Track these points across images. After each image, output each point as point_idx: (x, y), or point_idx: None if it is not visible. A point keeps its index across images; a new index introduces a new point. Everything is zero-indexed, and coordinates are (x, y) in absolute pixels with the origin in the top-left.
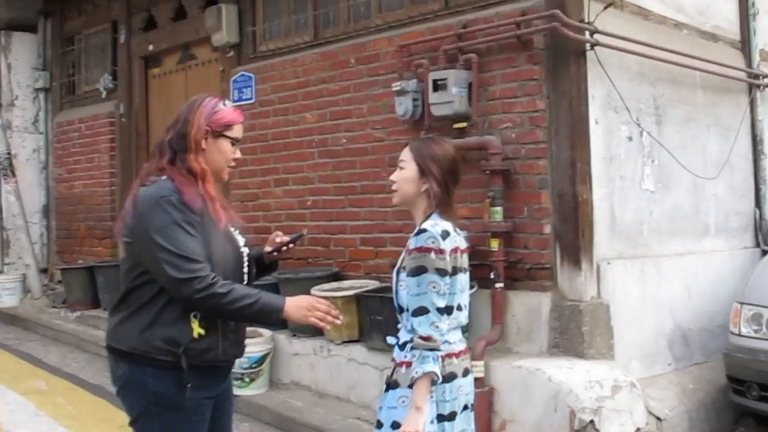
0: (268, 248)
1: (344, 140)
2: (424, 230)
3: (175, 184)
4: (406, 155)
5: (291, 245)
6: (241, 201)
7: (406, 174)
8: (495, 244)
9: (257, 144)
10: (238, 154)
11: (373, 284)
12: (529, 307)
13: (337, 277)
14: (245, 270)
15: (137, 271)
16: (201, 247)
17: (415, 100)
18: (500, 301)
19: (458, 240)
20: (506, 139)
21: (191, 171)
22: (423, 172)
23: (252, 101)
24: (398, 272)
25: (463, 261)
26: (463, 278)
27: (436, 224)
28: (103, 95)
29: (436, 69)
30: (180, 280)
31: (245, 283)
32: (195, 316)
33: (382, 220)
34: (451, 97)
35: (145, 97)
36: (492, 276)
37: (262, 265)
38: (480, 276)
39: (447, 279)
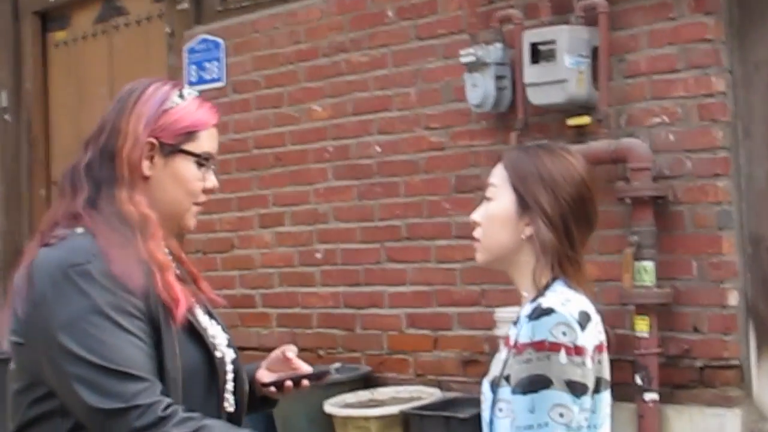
0: (265, 376)
1: (378, 149)
2: (550, 310)
3: (98, 243)
4: (497, 176)
5: (305, 383)
6: (203, 253)
7: (496, 209)
8: (643, 327)
9: (230, 156)
10: (212, 182)
11: (430, 394)
12: (704, 431)
13: (368, 381)
14: (228, 387)
15: (35, 394)
16: (144, 353)
17: (499, 78)
18: (652, 425)
19: (600, 329)
20: (659, 144)
21: (125, 218)
22: (525, 204)
23: (221, 84)
24: (495, 386)
25: (607, 366)
26: (607, 398)
27: (568, 300)
28: None
29: (536, 25)
30: (105, 412)
31: (231, 412)
32: None
33: (446, 284)
34: (563, 72)
35: (43, 78)
36: (638, 380)
37: (250, 394)
38: (617, 380)
39: (586, 400)
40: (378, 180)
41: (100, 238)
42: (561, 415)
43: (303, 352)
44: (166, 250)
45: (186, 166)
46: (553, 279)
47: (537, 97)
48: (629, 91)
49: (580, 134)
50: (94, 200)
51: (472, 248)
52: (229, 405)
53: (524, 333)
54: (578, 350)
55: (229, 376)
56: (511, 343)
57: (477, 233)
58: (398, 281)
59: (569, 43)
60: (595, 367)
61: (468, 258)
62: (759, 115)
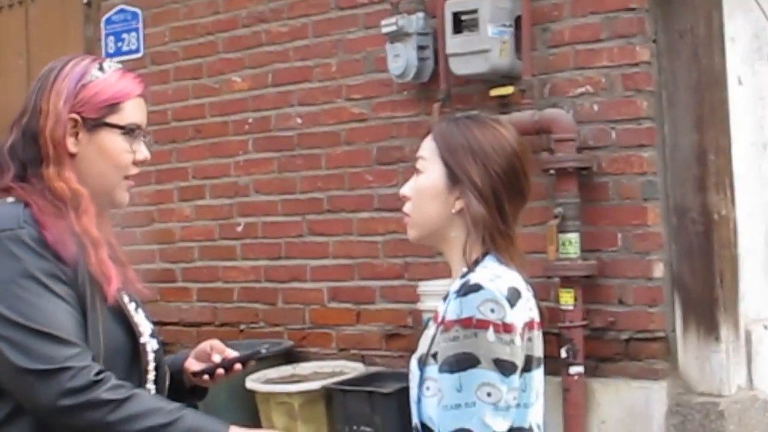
0: (194, 365)
1: (299, 120)
2: (478, 287)
3: (31, 211)
4: (426, 149)
5: (238, 367)
6: (122, 227)
7: (425, 182)
8: (568, 299)
9: (149, 129)
10: (143, 153)
11: (353, 369)
12: (629, 406)
13: (290, 356)
14: (149, 376)
15: None
16: (74, 319)
17: (421, 48)
18: (578, 398)
19: (532, 305)
20: (583, 114)
21: (56, 194)
22: (455, 178)
23: (138, 55)
24: (422, 364)
25: (539, 343)
26: (540, 376)
27: (497, 276)
28: None
29: None
30: (36, 372)
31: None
32: None
33: (368, 257)
34: (486, 42)
35: None
36: (564, 354)
37: (178, 385)
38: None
39: (514, 379)
40: (299, 152)
41: (34, 207)
42: (489, 395)
43: (224, 326)
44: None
45: (111, 139)
46: (484, 254)
47: (459, 67)
48: (553, 61)
49: (504, 105)
50: (23, 177)
51: (394, 221)
52: (148, 389)
53: (451, 309)
54: (507, 327)
55: (151, 365)
56: (439, 319)
57: (406, 207)
58: (320, 254)
59: (492, 12)
60: (524, 344)
61: (390, 231)
62: (683, 84)
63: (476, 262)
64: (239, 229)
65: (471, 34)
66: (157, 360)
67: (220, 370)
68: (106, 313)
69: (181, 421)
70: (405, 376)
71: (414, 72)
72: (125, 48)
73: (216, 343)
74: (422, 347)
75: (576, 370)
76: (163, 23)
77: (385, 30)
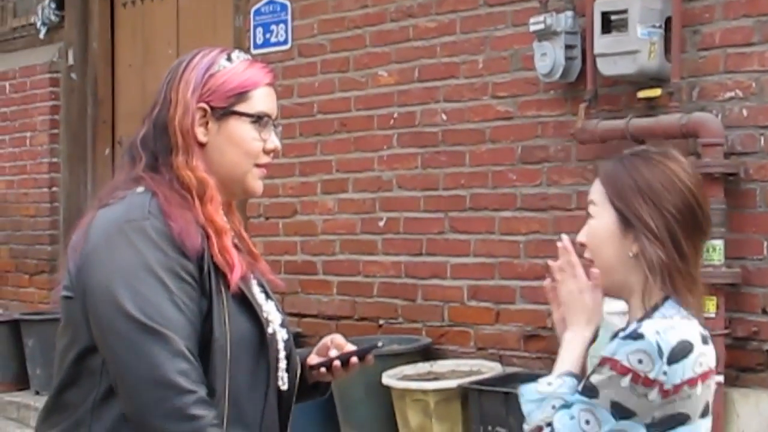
0: (314, 360)
1: (444, 117)
2: (640, 336)
3: (158, 201)
4: (596, 192)
5: (354, 361)
6: (265, 218)
7: (598, 228)
8: (710, 307)
9: (294, 121)
10: (273, 143)
11: (490, 369)
12: None
13: (428, 353)
14: (281, 364)
15: (77, 350)
16: (185, 317)
17: (569, 47)
18: (717, 408)
19: (706, 359)
20: (731, 119)
21: (182, 183)
22: (627, 221)
23: (286, 47)
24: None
25: (708, 393)
26: (705, 426)
27: (671, 328)
28: (41, 34)
29: None
30: (137, 376)
31: (284, 390)
32: None
33: (509, 257)
34: (635, 42)
35: (111, 38)
36: None
37: (301, 381)
38: None
39: (633, 426)
40: (443, 148)
41: (160, 197)
42: (587, 422)
43: (363, 321)
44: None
45: (241, 127)
46: (664, 298)
47: (607, 67)
48: (702, 64)
49: (651, 107)
50: (154, 166)
51: (537, 221)
52: (283, 383)
53: (609, 347)
54: (646, 382)
55: (282, 354)
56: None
57: (587, 254)
58: (461, 252)
59: (641, 13)
60: (673, 400)
61: (533, 230)
62: None
63: (655, 308)
64: (381, 223)
65: (620, 34)
66: (287, 349)
67: (337, 363)
68: (231, 302)
69: None
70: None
71: (561, 71)
72: (273, 39)
73: (337, 337)
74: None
75: (716, 379)
76: (311, 15)
77: (533, 28)
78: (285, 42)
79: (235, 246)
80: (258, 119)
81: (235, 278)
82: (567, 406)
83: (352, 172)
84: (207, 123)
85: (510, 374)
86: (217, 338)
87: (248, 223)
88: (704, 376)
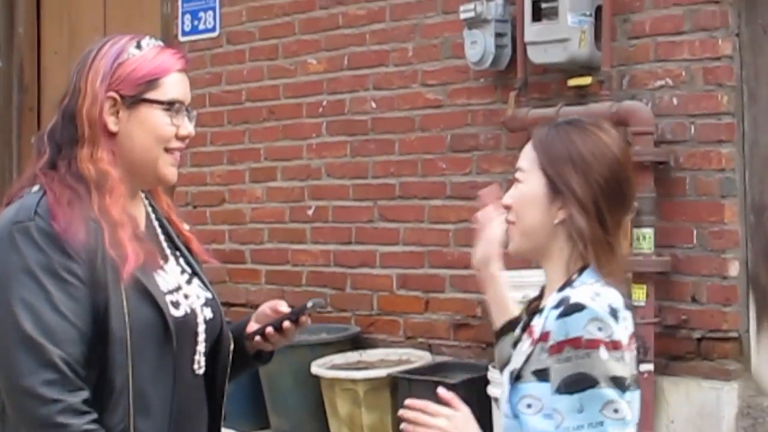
0: (252, 328)
1: (373, 104)
2: (580, 306)
3: (47, 200)
4: (526, 158)
5: (289, 324)
6: (193, 206)
7: (526, 192)
8: (640, 295)
9: (222, 108)
10: (186, 128)
11: (420, 357)
12: (699, 406)
13: (357, 342)
14: (199, 348)
15: None
16: (62, 318)
17: (499, 35)
18: (647, 396)
19: (629, 323)
20: (662, 107)
21: (81, 176)
22: (556, 188)
23: (214, 34)
24: (516, 379)
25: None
26: (639, 393)
27: (597, 294)
28: None
29: None
30: (8, 383)
31: (201, 374)
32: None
33: (439, 245)
34: (565, 30)
35: (36, 22)
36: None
37: (241, 351)
38: None
39: (629, 395)
40: (372, 136)
41: (50, 195)
42: (615, 411)
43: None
44: (147, 209)
45: (152, 114)
46: (583, 267)
47: (537, 55)
48: (633, 53)
49: (581, 95)
50: (54, 162)
51: (466, 209)
52: (199, 366)
53: (556, 330)
54: (615, 345)
55: (201, 336)
56: (536, 335)
57: (510, 216)
58: (391, 241)
59: (572, 1)
60: (631, 362)
61: (462, 219)
62: (765, 79)
63: (574, 276)
64: (310, 212)
65: (550, 22)
66: (211, 330)
67: (270, 329)
68: (132, 293)
69: None
70: (472, 367)
71: (491, 59)
72: (201, 27)
73: (274, 303)
74: (515, 361)
75: (646, 367)
76: (240, 3)
77: (463, 16)
78: (213, 29)
79: (138, 236)
80: (169, 105)
81: (127, 270)
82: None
83: (280, 160)
84: (118, 112)
85: (439, 363)
86: (115, 331)
87: None
88: (632, 338)
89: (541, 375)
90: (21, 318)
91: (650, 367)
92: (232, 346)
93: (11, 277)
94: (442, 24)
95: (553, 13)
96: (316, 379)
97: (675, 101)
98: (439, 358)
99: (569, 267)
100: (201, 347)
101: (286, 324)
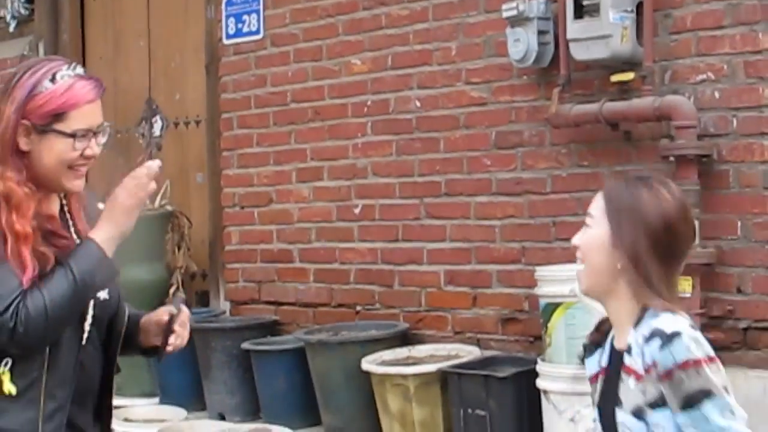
0: (153, 330)
1: (417, 104)
2: (678, 333)
3: None
4: (596, 207)
5: (172, 327)
6: (240, 207)
7: (593, 236)
8: (686, 287)
9: (268, 110)
10: (92, 149)
11: (468, 352)
12: (745, 396)
13: (406, 338)
14: (85, 327)
15: None
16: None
17: (542, 33)
18: None
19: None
20: (704, 101)
21: None
22: (617, 238)
23: (259, 37)
24: (640, 416)
25: None
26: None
27: (677, 320)
28: (11, 28)
29: None
30: None
31: (113, 341)
32: (5, 366)
33: (485, 241)
34: (607, 27)
35: (81, 30)
36: None
37: (132, 339)
38: None
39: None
40: (417, 135)
41: None
42: (732, 413)
43: (340, 307)
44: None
45: (57, 141)
46: (644, 308)
47: (580, 52)
48: (674, 48)
49: (624, 91)
50: None
51: (512, 205)
52: (88, 338)
53: (662, 359)
54: (712, 359)
55: (89, 314)
56: (639, 371)
57: (578, 255)
58: (437, 238)
59: None
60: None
61: (508, 215)
62: None
63: (641, 316)
64: (357, 211)
65: (592, 19)
66: (99, 309)
67: (172, 343)
68: None
69: (72, 265)
70: (521, 361)
71: (534, 57)
72: (246, 29)
73: (159, 317)
74: (632, 401)
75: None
76: (283, 5)
77: (506, 14)
78: (257, 32)
79: (48, 242)
80: (73, 135)
81: (27, 278)
82: None
83: (326, 160)
84: (30, 134)
85: (488, 357)
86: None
87: (223, 213)
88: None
89: (658, 403)
90: None
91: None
92: (123, 328)
93: None
94: (485, 23)
95: (594, 10)
96: (367, 375)
97: (717, 95)
98: (488, 353)
99: (633, 306)
100: (86, 325)
101: (175, 328)
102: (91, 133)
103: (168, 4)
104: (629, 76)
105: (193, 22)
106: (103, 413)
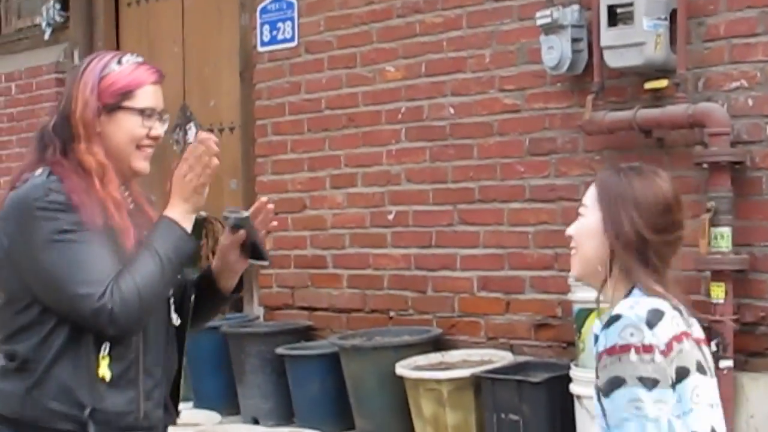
0: (233, 267)
1: (451, 111)
2: (617, 316)
3: (64, 186)
4: (589, 197)
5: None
6: (275, 213)
7: (585, 224)
8: (719, 293)
9: (302, 117)
10: (156, 130)
11: (501, 358)
12: None
13: (439, 344)
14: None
15: (15, 307)
16: (102, 257)
17: (576, 41)
18: (726, 392)
19: (680, 321)
20: (737, 108)
21: (85, 167)
22: (608, 222)
23: (293, 44)
24: (598, 395)
25: (701, 355)
26: (706, 384)
27: (636, 303)
28: (47, 35)
29: None
30: (82, 296)
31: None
32: (104, 351)
33: (519, 247)
34: (641, 34)
35: (116, 37)
36: (713, 348)
37: (209, 287)
38: None
39: (660, 393)
40: (451, 142)
41: (67, 182)
42: (637, 408)
43: (374, 313)
44: (126, 193)
45: (126, 119)
46: (631, 288)
47: (614, 59)
48: (708, 55)
49: (657, 98)
50: (64, 151)
51: (545, 211)
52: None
53: (601, 341)
54: (647, 349)
55: (171, 303)
56: (596, 350)
57: (573, 245)
58: (470, 244)
59: (647, 5)
60: (672, 358)
61: (541, 221)
62: None
63: (626, 295)
64: (390, 217)
65: (626, 26)
66: (177, 293)
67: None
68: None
69: (156, 248)
70: (553, 366)
71: (568, 64)
72: (280, 37)
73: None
74: (595, 384)
75: (725, 364)
76: (318, 13)
77: (539, 22)
78: (292, 39)
79: (131, 214)
80: (141, 112)
81: (130, 241)
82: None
83: (360, 166)
84: (100, 116)
85: (521, 363)
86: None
87: None
88: (686, 334)
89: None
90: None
91: (730, 363)
92: (192, 299)
93: (39, 248)
94: (519, 30)
95: (628, 18)
96: (400, 380)
97: (750, 102)
98: (521, 358)
99: (624, 290)
100: (171, 299)
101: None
102: (156, 113)
103: (202, 11)
104: (663, 83)
105: (227, 29)
106: (175, 390)
